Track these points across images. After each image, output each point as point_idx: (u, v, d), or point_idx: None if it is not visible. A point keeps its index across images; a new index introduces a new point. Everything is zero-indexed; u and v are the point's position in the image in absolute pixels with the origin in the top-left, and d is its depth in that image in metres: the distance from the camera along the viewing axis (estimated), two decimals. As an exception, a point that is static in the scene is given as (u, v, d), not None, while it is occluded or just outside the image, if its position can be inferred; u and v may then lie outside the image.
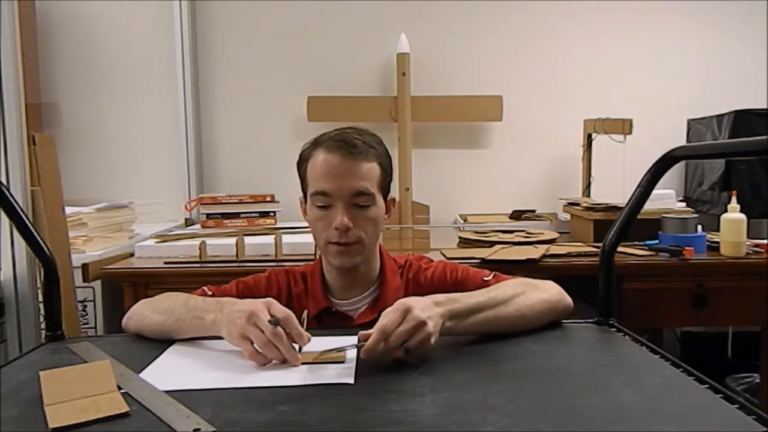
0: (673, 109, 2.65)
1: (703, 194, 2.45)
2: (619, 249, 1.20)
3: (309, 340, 0.91)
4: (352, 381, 0.81)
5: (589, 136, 2.56)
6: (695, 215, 2.04)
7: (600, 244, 1.12)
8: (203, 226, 2.37)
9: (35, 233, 1.07)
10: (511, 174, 2.71)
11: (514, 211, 2.55)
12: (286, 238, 1.98)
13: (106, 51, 2.63)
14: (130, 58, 2.64)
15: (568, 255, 1.90)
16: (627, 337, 1.03)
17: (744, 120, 2.23)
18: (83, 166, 2.60)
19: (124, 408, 0.73)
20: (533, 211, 2.57)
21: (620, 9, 2.68)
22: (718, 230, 1.95)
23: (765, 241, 1.96)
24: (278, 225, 2.35)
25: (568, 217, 2.41)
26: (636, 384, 0.80)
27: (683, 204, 2.33)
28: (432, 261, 1.28)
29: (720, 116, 2.35)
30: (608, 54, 2.69)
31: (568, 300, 1.10)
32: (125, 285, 1.83)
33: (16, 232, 1.53)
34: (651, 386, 0.79)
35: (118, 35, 2.63)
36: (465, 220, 2.54)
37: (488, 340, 0.98)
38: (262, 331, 0.88)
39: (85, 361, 0.91)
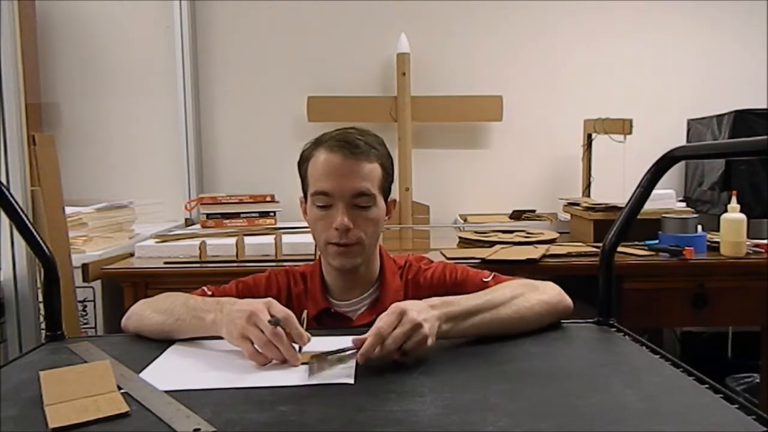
0: (673, 109, 2.65)
1: (703, 194, 2.45)
2: (619, 249, 1.20)
3: (309, 340, 0.91)
4: (352, 381, 0.81)
5: (589, 136, 2.56)
6: (695, 215, 2.04)
7: (600, 244, 1.12)
8: (203, 226, 2.37)
9: (35, 233, 1.07)
10: (511, 174, 2.71)
11: (514, 211, 2.55)
12: (286, 238, 1.98)
13: (106, 51, 2.63)
14: (130, 58, 2.64)
15: (568, 255, 1.90)
16: (627, 337, 1.03)
17: (744, 120, 2.23)
18: (83, 166, 2.60)
19: (124, 408, 0.72)
20: (533, 211, 2.57)
21: (620, 9, 2.68)
22: (718, 230, 1.95)
23: (765, 241, 1.96)
24: (278, 225, 2.35)
25: (568, 217, 2.41)
26: (636, 384, 0.80)
27: (683, 204, 2.33)
28: (432, 262, 1.27)
29: (720, 116, 2.35)
30: (608, 54, 2.69)
31: (568, 301, 1.10)
32: (125, 285, 1.83)
33: (16, 232, 1.53)
34: (651, 386, 0.79)
35: (118, 35, 2.63)
36: (465, 220, 2.54)
37: (488, 341, 0.97)
38: (262, 331, 0.88)
39: (85, 361, 0.91)
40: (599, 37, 2.69)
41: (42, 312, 1.45)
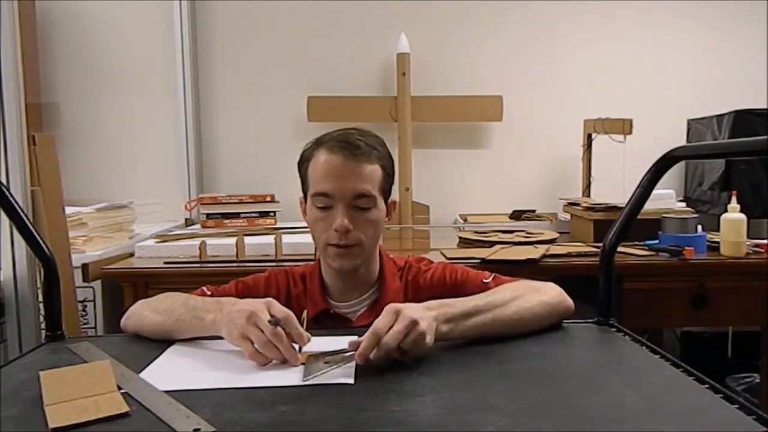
0: (673, 109, 2.65)
1: (703, 194, 2.45)
2: (619, 249, 1.20)
3: (309, 340, 0.91)
4: (352, 381, 0.81)
5: (589, 136, 2.56)
6: (695, 215, 2.04)
7: (600, 244, 1.12)
8: (203, 226, 2.37)
9: (35, 233, 1.07)
10: (511, 174, 2.71)
11: (514, 211, 2.55)
12: (286, 238, 1.98)
13: (106, 51, 2.63)
14: (130, 58, 2.64)
15: (568, 255, 1.90)
16: (627, 337, 1.03)
17: (744, 120, 2.23)
18: (83, 166, 2.60)
19: (124, 408, 0.72)
20: (533, 211, 2.57)
21: (620, 9, 2.68)
22: (718, 230, 1.95)
23: (765, 241, 1.96)
24: (278, 225, 2.35)
25: (568, 217, 2.41)
26: (636, 384, 0.80)
27: (683, 204, 2.33)
28: (432, 263, 1.27)
29: (720, 116, 2.35)
30: (608, 54, 2.69)
31: (569, 302, 1.09)
32: (125, 285, 1.83)
33: (16, 232, 1.53)
34: (651, 386, 0.79)
35: (118, 35, 2.63)
36: (465, 220, 2.54)
37: (488, 341, 0.97)
38: (262, 331, 0.88)
39: (85, 361, 0.91)
40: (599, 37, 2.69)
41: (42, 312, 1.45)
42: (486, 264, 1.75)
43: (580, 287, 1.32)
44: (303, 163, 1.17)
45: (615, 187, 2.15)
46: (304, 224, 1.22)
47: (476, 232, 2.23)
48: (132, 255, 2.01)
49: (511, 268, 1.71)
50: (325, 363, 0.86)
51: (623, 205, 1.08)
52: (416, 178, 2.61)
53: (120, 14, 2.62)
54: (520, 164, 2.71)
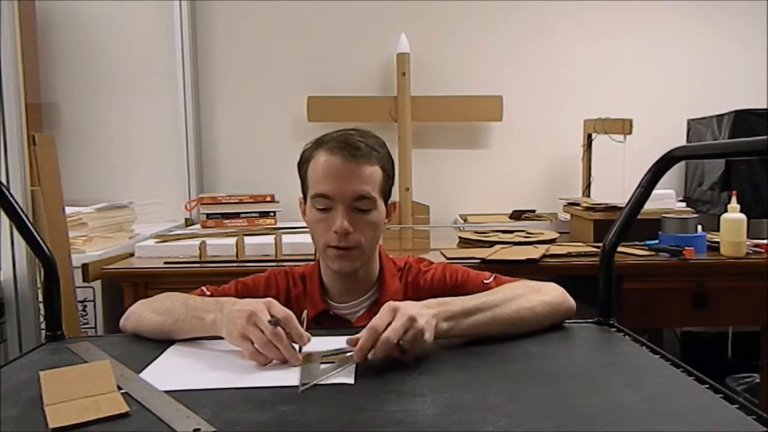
0: (673, 109, 2.65)
1: (703, 194, 2.45)
2: (619, 249, 1.20)
3: (309, 340, 0.91)
4: (352, 381, 0.81)
5: (589, 136, 2.56)
6: (695, 215, 2.04)
7: (600, 244, 1.12)
8: (203, 226, 2.37)
9: (35, 233, 1.07)
10: (511, 174, 2.71)
11: (514, 211, 2.55)
12: (286, 238, 1.98)
13: (106, 51, 2.63)
14: (130, 58, 2.64)
15: (568, 255, 1.90)
16: (627, 337, 1.03)
17: (744, 120, 2.23)
18: (83, 166, 2.60)
19: (124, 408, 0.72)
20: (533, 211, 2.57)
21: (620, 9, 2.68)
22: (718, 230, 1.95)
23: (765, 241, 1.96)
24: (278, 225, 2.36)
25: (568, 217, 2.41)
26: (636, 384, 0.80)
27: (683, 204, 2.33)
28: (432, 263, 1.26)
29: (720, 116, 2.35)
30: (608, 54, 2.69)
31: (571, 302, 1.09)
32: (125, 285, 1.83)
33: (16, 232, 1.53)
34: (651, 386, 0.79)
35: (118, 35, 2.63)
36: (465, 220, 2.54)
37: (488, 341, 0.97)
38: (262, 331, 0.88)
39: (85, 361, 0.91)
40: (599, 37, 2.69)
41: (42, 312, 1.45)
42: (486, 264, 1.75)
43: (580, 287, 1.32)
44: (303, 164, 1.16)
45: (615, 187, 2.15)
46: (304, 224, 1.22)
47: (476, 232, 2.23)
48: (132, 255, 2.01)
49: (511, 268, 1.71)
50: (323, 363, 0.86)
51: (623, 205, 1.08)
52: (416, 178, 2.61)
53: (120, 14, 2.62)
54: (520, 164, 2.71)
